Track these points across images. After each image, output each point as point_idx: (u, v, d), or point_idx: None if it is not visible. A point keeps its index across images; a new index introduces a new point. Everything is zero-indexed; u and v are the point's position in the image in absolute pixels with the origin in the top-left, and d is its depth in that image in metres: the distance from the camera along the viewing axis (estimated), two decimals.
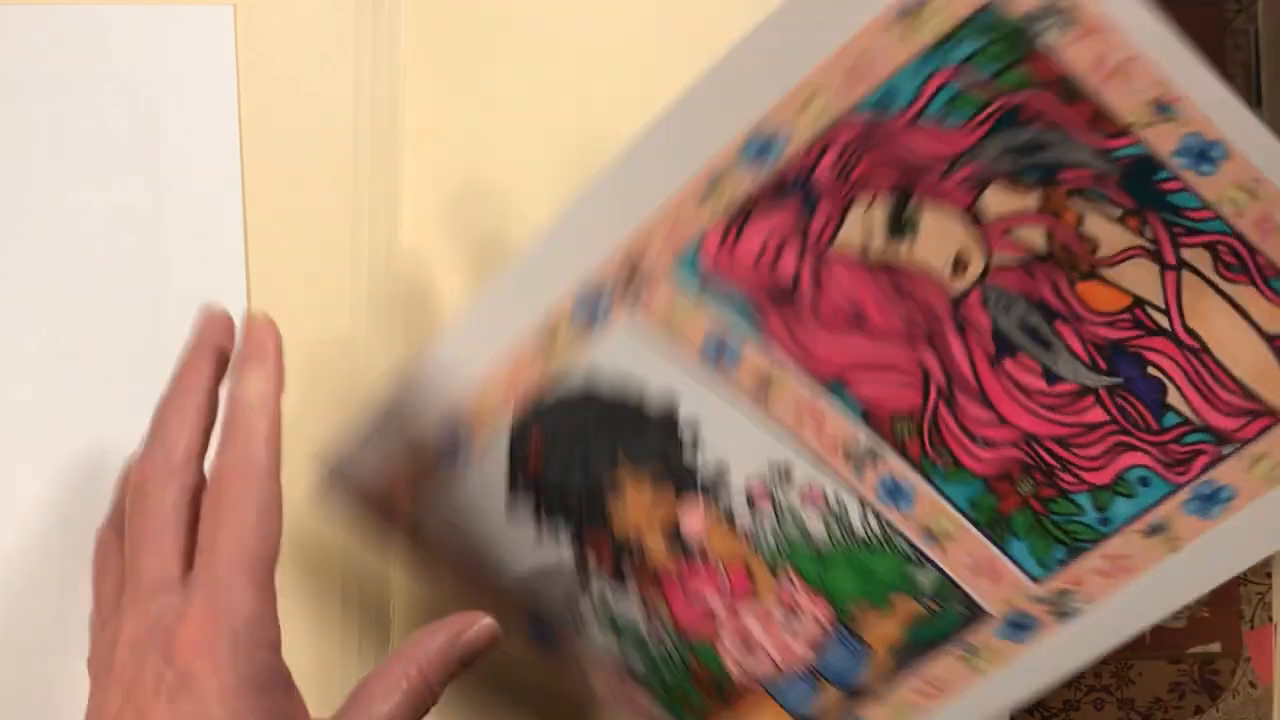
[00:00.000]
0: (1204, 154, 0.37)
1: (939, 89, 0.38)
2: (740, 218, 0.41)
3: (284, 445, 0.39)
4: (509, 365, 0.44)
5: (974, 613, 0.45)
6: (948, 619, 0.45)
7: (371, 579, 0.50)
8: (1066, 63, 0.37)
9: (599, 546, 0.47)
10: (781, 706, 0.48)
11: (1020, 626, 0.44)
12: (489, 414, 0.45)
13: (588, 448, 0.46)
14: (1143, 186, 0.38)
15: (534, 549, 0.47)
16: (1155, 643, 0.55)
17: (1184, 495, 0.41)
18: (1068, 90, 0.37)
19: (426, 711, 0.39)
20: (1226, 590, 0.52)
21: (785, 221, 0.41)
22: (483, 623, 0.40)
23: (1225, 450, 0.40)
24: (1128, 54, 0.36)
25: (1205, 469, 0.40)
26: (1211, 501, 0.41)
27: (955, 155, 0.39)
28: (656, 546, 0.47)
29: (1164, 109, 0.37)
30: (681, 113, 0.39)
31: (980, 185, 0.39)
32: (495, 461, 0.46)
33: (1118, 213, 0.39)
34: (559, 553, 0.47)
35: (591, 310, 0.43)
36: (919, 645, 0.46)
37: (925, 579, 0.45)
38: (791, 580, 0.46)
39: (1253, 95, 0.54)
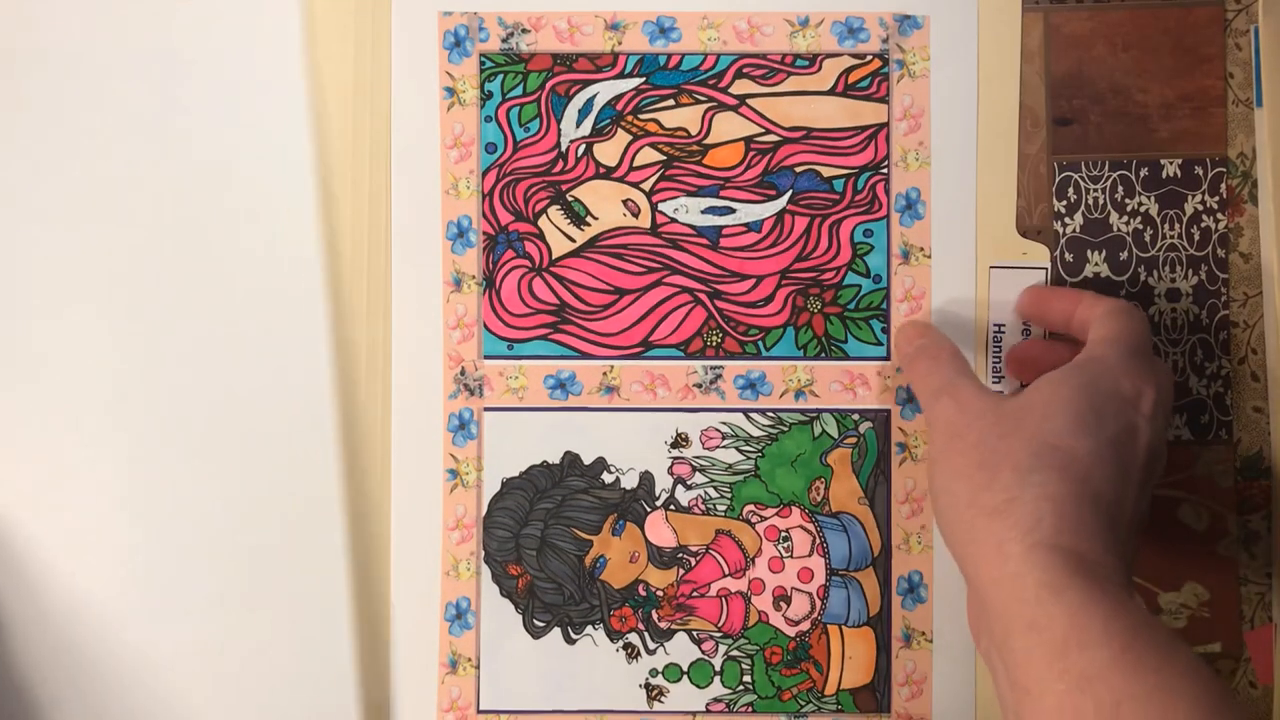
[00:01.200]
0: (665, 30, 0.53)
1: (508, 120, 0.52)
2: (489, 287, 0.52)
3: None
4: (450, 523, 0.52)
5: (878, 419, 0.53)
6: (869, 441, 0.53)
7: (373, 579, 0.53)
8: (553, 46, 0.52)
9: (624, 619, 0.52)
10: (844, 625, 0.52)
11: (911, 398, 0.53)
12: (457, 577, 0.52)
13: (552, 544, 0.52)
14: (663, 75, 0.53)
15: (583, 662, 0.52)
16: None
17: (894, 211, 0.52)
18: (564, 59, 0.53)
19: None
20: (1226, 591, 0.55)
21: (513, 268, 0.52)
22: None
23: (883, 169, 0.53)
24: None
25: (886, 189, 0.53)
26: (910, 206, 0.52)
27: (554, 145, 0.53)
28: (656, 578, 0.52)
29: (615, 26, 0.53)
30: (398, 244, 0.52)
31: (589, 151, 0.53)
32: (495, 608, 0.53)
33: (670, 101, 0.53)
34: (601, 654, 0.52)
35: (463, 424, 0.52)
36: (874, 478, 0.53)
37: (828, 427, 0.53)
38: (758, 514, 0.53)
39: (1254, 94, 0.55)
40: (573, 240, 0.53)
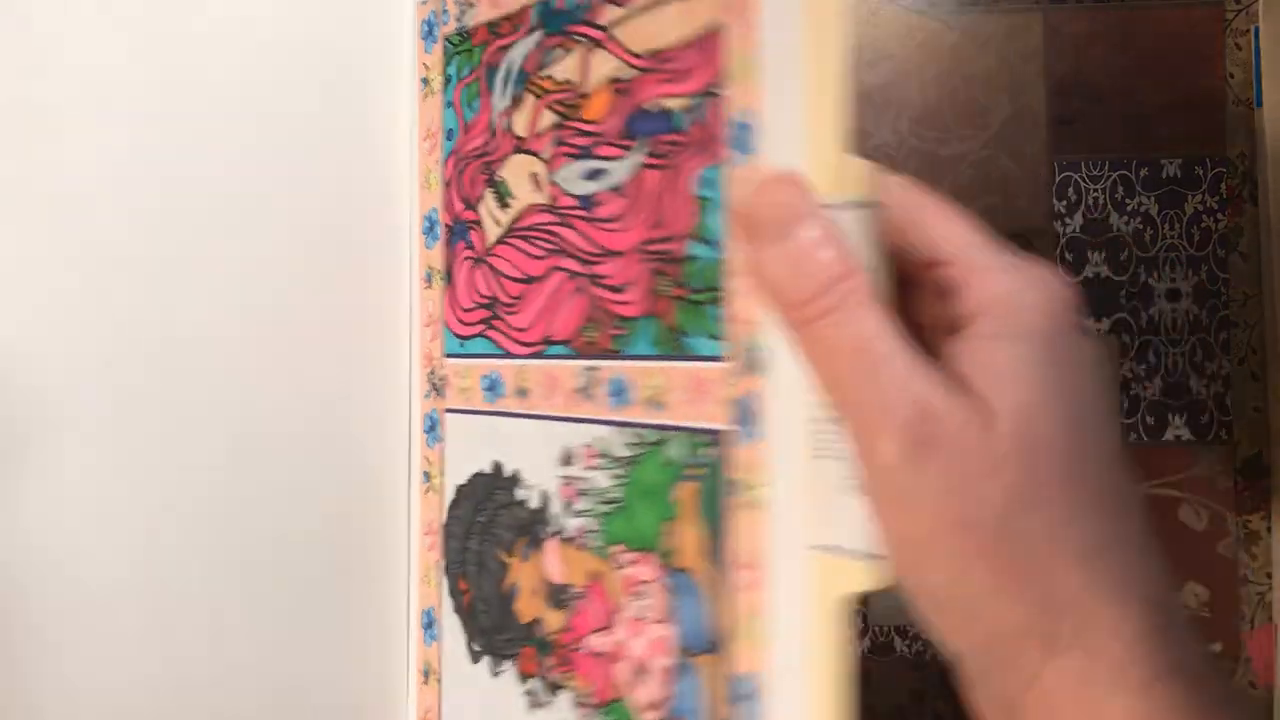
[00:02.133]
0: None
1: (460, 103, 0.48)
2: (448, 282, 0.49)
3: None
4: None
5: (717, 442, 0.36)
6: (712, 473, 0.37)
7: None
8: (488, 15, 0.46)
9: (529, 660, 0.45)
10: None
11: (747, 417, 0.35)
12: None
13: (484, 562, 0.47)
14: (552, 19, 0.43)
15: (500, 701, 0.46)
16: None
17: (729, 147, 0.35)
18: (493, 27, 0.46)
19: None
20: (1226, 591, 0.56)
21: (464, 259, 0.48)
22: None
23: (720, 89, 0.36)
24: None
25: (724, 117, 0.36)
26: (742, 136, 0.35)
27: (489, 123, 0.46)
28: (550, 618, 0.44)
29: None
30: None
31: (510, 123, 0.45)
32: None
33: (560, 50, 0.43)
34: (512, 697, 0.45)
35: (433, 426, 0.50)
36: (713, 524, 0.36)
37: (676, 450, 0.38)
38: (623, 559, 0.40)
39: (1254, 94, 0.55)
40: (499, 225, 0.46)
